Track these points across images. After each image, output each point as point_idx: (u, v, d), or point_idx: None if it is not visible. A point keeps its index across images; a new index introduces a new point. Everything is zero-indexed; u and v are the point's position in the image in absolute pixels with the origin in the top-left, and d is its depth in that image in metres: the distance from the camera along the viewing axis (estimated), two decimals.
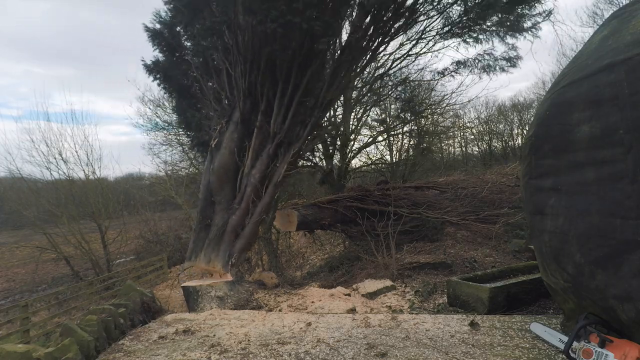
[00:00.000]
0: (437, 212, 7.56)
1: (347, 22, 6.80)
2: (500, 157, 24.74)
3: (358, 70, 8.08)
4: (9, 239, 17.48)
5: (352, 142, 12.94)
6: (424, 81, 13.18)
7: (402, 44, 10.40)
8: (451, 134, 20.45)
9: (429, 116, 14.68)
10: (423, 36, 9.22)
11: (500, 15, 7.68)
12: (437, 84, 13.29)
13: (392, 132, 14.79)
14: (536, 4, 7.47)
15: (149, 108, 17.26)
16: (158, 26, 7.21)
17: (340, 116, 12.45)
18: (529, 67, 56.10)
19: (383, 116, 15.21)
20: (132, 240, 16.38)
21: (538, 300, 4.14)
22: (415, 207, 7.87)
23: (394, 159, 15.67)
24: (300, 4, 5.14)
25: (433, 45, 9.52)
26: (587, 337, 2.44)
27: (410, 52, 9.88)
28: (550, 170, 2.76)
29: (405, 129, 15.09)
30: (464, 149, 27.52)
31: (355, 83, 10.67)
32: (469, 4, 7.34)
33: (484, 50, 9.50)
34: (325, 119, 10.47)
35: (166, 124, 16.86)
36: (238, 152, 6.23)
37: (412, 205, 7.98)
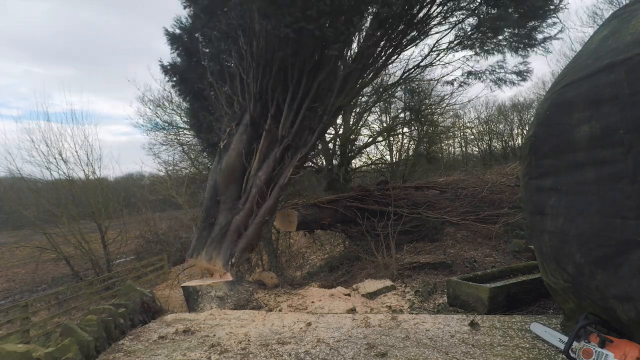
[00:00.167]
0: (437, 212, 7.55)
1: (358, 32, 6.87)
2: (500, 157, 24.69)
3: (369, 79, 8.14)
4: (9, 239, 17.49)
5: (352, 143, 12.94)
6: (424, 81, 13.19)
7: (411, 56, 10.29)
8: (451, 134, 20.40)
9: (434, 120, 14.67)
10: (434, 49, 9.25)
11: (512, 29, 7.71)
12: (437, 84, 13.26)
13: (392, 132, 14.79)
14: (547, 20, 7.46)
15: (149, 108, 17.25)
16: (178, 31, 7.51)
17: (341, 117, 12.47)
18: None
19: (384, 117, 15.23)
20: (132, 240, 16.38)
21: (538, 300, 4.14)
22: (415, 207, 7.86)
23: (394, 159, 15.69)
24: (314, 12, 5.23)
25: (445, 56, 9.49)
26: (587, 337, 2.44)
27: (420, 64, 9.84)
28: (550, 170, 2.76)
29: (406, 130, 15.11)
30: (464, 149, 27.50)
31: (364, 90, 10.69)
32: (482, 17, 7.36)
33: (496, 62, 9.44)
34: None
35: (166, 124, 16.88)
36: (246, 154, 6.29)
37: (412, 205, 7.97)
